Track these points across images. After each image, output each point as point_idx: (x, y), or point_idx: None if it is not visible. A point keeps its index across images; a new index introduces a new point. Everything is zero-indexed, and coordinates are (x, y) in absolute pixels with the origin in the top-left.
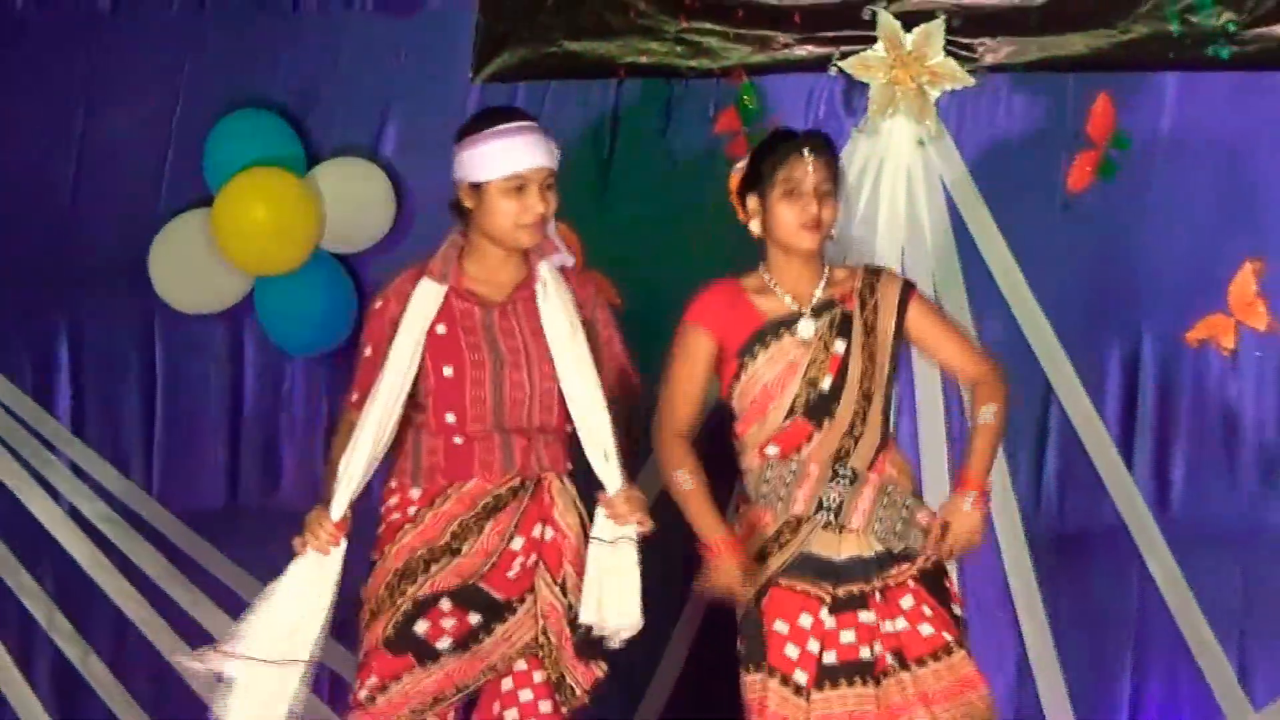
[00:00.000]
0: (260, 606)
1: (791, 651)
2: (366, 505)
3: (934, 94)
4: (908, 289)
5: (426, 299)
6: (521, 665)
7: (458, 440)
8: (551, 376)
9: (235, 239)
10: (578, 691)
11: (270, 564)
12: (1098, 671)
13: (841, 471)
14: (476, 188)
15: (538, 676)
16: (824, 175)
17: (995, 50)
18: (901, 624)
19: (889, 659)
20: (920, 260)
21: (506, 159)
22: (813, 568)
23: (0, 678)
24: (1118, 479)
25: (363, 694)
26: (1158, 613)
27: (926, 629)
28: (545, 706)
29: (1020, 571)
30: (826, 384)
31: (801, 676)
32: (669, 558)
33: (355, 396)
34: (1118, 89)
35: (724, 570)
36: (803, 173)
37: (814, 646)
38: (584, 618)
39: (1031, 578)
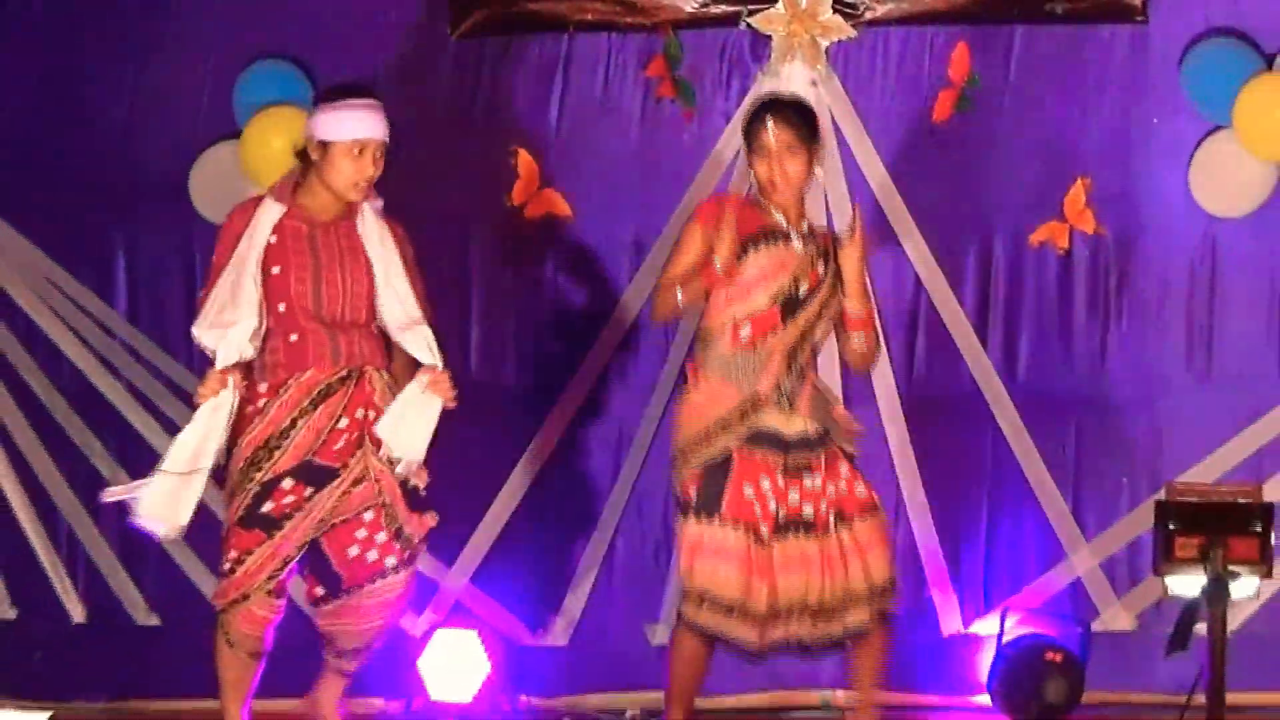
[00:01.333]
0: (172, 445)
1: (756, 509)
2: None
3: (824, 44)
4: (838, 239)
5: (268, 213)
6: (361, 533)
7: (293, 338)
8: (363, 282)
9: (259, 164)
10: (414, 540)
11: None
12: (959, 511)
13: (794, 367)
14: (324, 145)
15: (364, 533)
16: (789, 137)
17: (874, 8)
18: (842, 487)
19: (830, 517)
20: (815, 181)
21: (354, 126)
22: (768, 440)
23: (74, 523)
24: (974, 354)
25: (226, 565)
26: (1007, 462)
27: (860, 489)
28: (372, 553)
29: (896, 431)
30: (804, 289)
31: (764, 529)
32: None
33: (202, 293)
34: (973, 39)
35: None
36: (766, 137)
37: (772, 505)
38: (380, 431)
39: (905, 435)
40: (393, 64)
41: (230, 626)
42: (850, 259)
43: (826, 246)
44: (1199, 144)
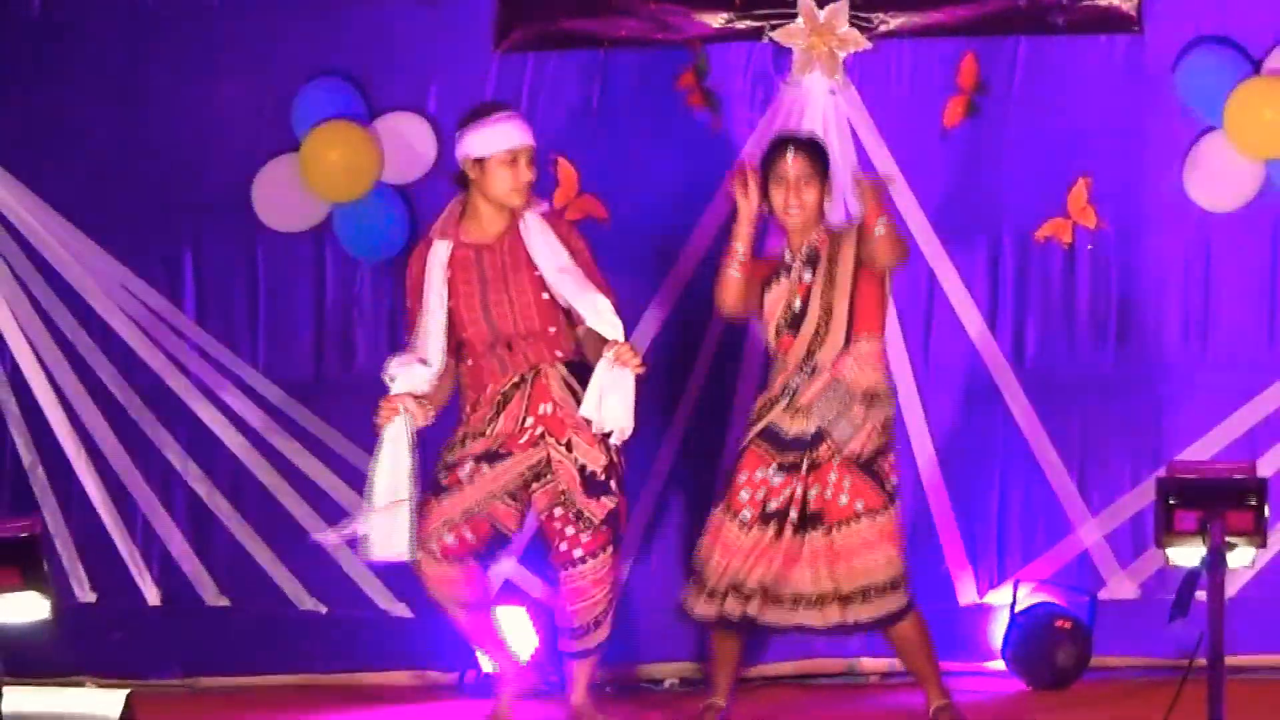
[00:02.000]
0: (371, 482)
1: (745, 496)
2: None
3: (841, 55)
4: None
5: (438, 254)
6: (557, 525)
7: (470, 363)
8: (528, 291)
9: (316, 175)
10: (594, 520)
11: (348, 418)
12: (973, 489)
13: (806, 366)
14: (479, 162)
15: (564, 525)
16: (804, 168)
17: (887, 21)
18: (828, 494)
19: (796, 519)
20: (834, 183)
21: (504, 138)
22: (772, 438)
23: (148, 512)
24: (985, 343)
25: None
26: (1017, 443)
27: (844, 499)
28: (578, 552)
29: (913, 416)
30: (797, 305)
31: (747, 515)
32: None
33: (407, 338)
34: (981, 49)
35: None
36: (784, 168)
37: (760, 495)
38: (584, 413)
39: (922, 419)
40: (442, 79)
41: (422, 576)
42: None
43: (817, 250)
44: (1192, 144)
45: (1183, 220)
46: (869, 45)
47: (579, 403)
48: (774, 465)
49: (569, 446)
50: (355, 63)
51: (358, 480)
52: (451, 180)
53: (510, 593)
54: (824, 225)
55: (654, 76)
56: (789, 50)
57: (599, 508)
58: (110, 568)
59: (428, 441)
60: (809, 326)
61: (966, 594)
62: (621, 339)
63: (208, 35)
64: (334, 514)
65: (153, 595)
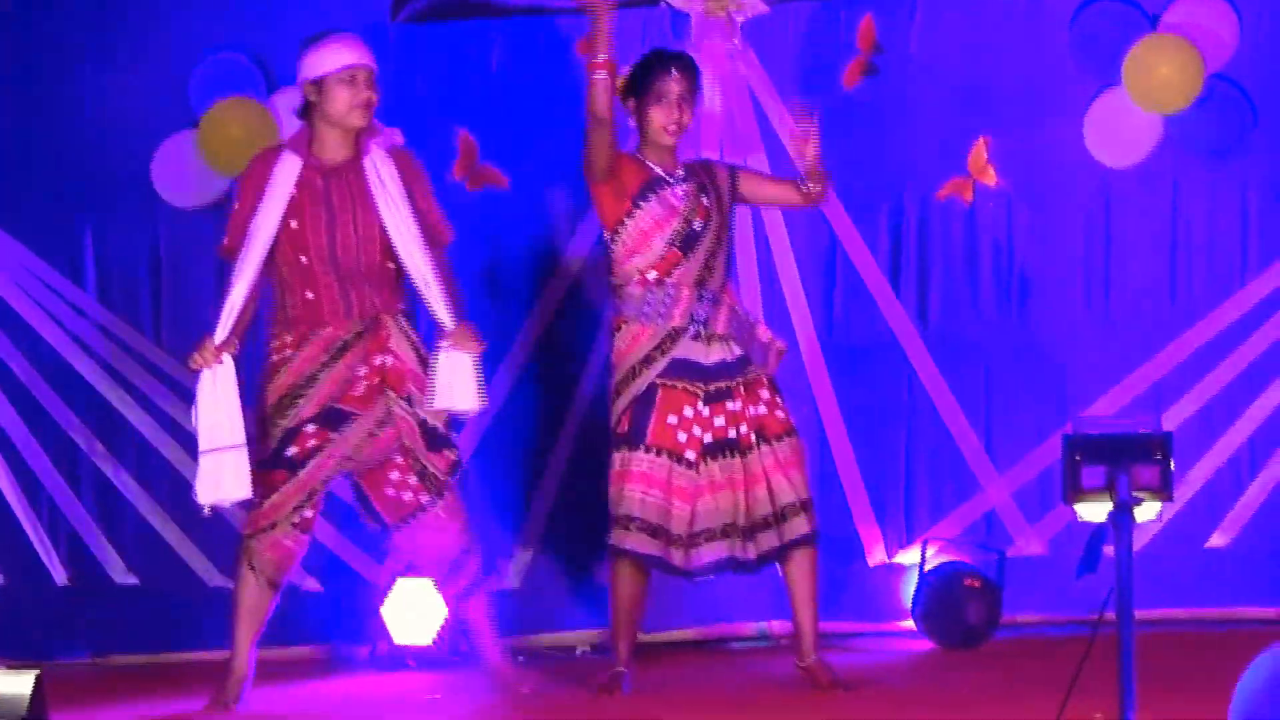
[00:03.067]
0: (195, 415)
1: (681, 437)
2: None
3: (739, 19)
4: (734, 168)
5: (287, 167)
6: (394, 475)
7: (309, 295)
8: (373, 226)
9: (216, 151)
10: (440, 476)
11: (251, 391)
12: (880, 450)
13: (704, 294)
14: (317, 83)
15: (397, 475)
16: (685, 87)
17: None
18: (762, 409)
19: (753, 437)
20: (734, 146)
21: (340, 56)
22: (687, 370)
23: (54, 491)
24: (888, 303)
25: (254, 502)
26: (923, 403)
27: (779, 413)
28: (407, 494)
29: (819, 378)
30: (697, 224)
31: (691, 454)
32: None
33: (226, 241)
34: (877, 10)
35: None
36: (669, 85)
37: (698, 431)
38: (438, 404)
39: (827, 381)
40: None
41: (255, 553)
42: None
43: (704, 180)
44: (1091, 101)
45: (1083, 177)
46: (766, 9)
47: (418, 357)
48: (700, 398)
49: (409, 400)
50: (252, 37)
51: None
52: (295, 112)
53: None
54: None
55: (552, 44)
56: (686, 15)
57: (442, 460)
58: (17, 548)
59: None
60: (701, 251)
61: (875, 554)
62: (449, 322)
63: (103, 12)
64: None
65: (60, 575)
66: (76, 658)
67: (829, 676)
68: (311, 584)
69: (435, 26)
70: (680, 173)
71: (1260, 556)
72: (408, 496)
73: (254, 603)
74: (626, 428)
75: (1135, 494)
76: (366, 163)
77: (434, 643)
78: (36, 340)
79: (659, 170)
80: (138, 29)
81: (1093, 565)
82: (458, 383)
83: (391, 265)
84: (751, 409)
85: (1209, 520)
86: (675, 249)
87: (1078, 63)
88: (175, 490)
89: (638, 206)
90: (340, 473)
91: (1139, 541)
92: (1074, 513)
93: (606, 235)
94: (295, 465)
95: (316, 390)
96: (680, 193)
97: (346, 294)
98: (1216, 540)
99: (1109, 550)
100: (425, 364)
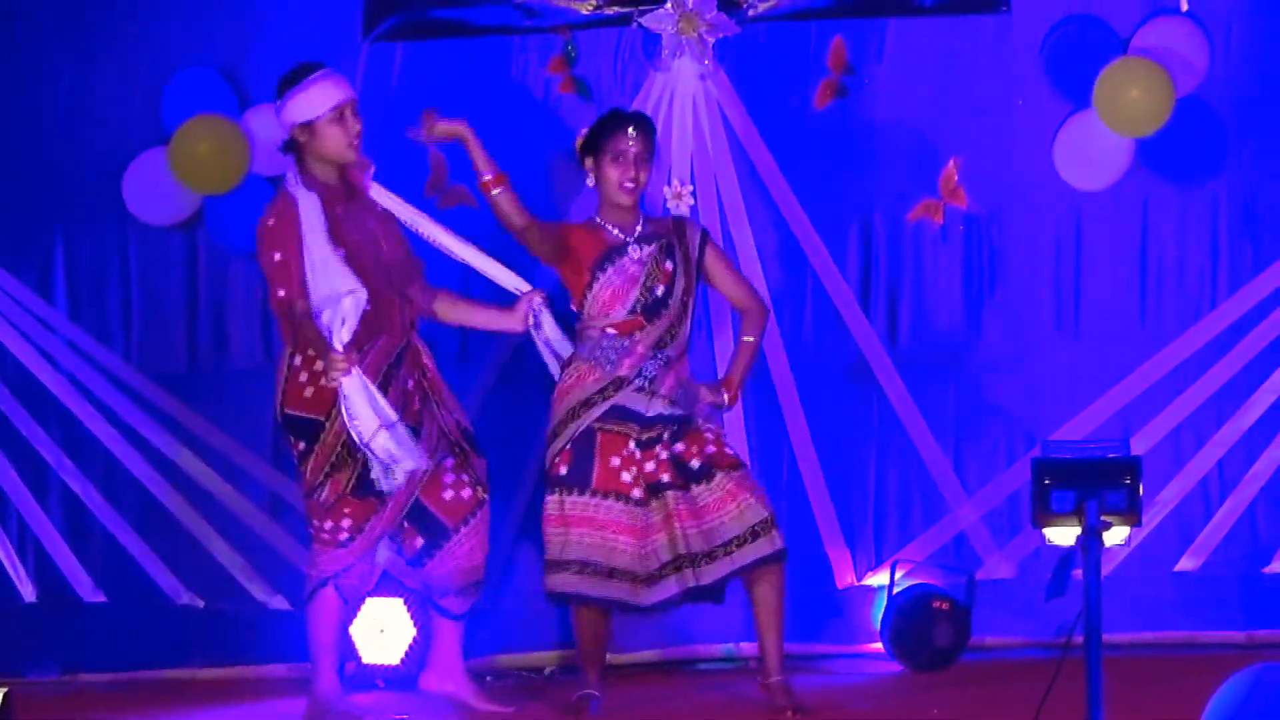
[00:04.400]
0: (354, 424)
1: (626, 477)
2: None
3: (710, 40)
4: (705, 235)
5: (310, 203)
6: (448, 477)
7: (367, 307)
8: (399, 251)
9: (187, 168)
10: (480, 475)
11: (221, 411)
12: (849, 472)
13: (660, 355)
14: (307, 126)
15: (451, 477)
16: (643, 146)
17: (755, 6)
18: (708, 450)
19: (697, 468)
20: (705, 167)
21: (327, 96)
22: (625, 415)
23: (22, 508)
24: (858, 324)
25: (342, 535)
26: (892, 425)
27: (728, 450)
28: (465, 491)
29: (788, 400)
30: (659, 290)
31: (638, 493)
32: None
33: (282, 293)
34: (848, 31)
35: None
36: (625, 145)
37: (635, 472)
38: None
39: (796, 402)
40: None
41: (346, 582)
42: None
43: (669, 237)
44: (1062, 124)
45: (1053, 200)
46: (738, 29)
47: (437, 367)
48: (634, 443)
49: (447, 406)
50: (225, 54)
51: (232, 473)
52: (280, 149)
53: (388, 584)
54: (643, 211)
55: (524, 64)
56: (658, 36)
57: (480, 463)
58: None
59: None
60: (666, 317)
61: (844, 576)
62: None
63: (76, 27)
64: (208, 506)
65: (29, 592)
66: (44, 675)
67: (788, 700)
68: (279, 602)
69: (407, 45)
70: (640, 230)
71: (1229, 580)
72: (465, 494)
73: (338, 632)
74: (564, 471)
75: (1104, 518)
76: (373, 193)
77: (402, 662)
78: (4, 355)
79: (617, 235)
80: (111, 44)
81: (1061, 588)
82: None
83: (410, 290)
84: (695, 447)
85: (1178, 544)
86: (637, 315)
87: (1049, 85)
88: (143, 507)
89: (596, 277)
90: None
91: (1108, 565)
92: (1043, 536)
93: (574, 307)
94: (381, 493)
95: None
96: (639, 259)
97: (398, 304)
98: (1185, 564)
99: (1078, 574)
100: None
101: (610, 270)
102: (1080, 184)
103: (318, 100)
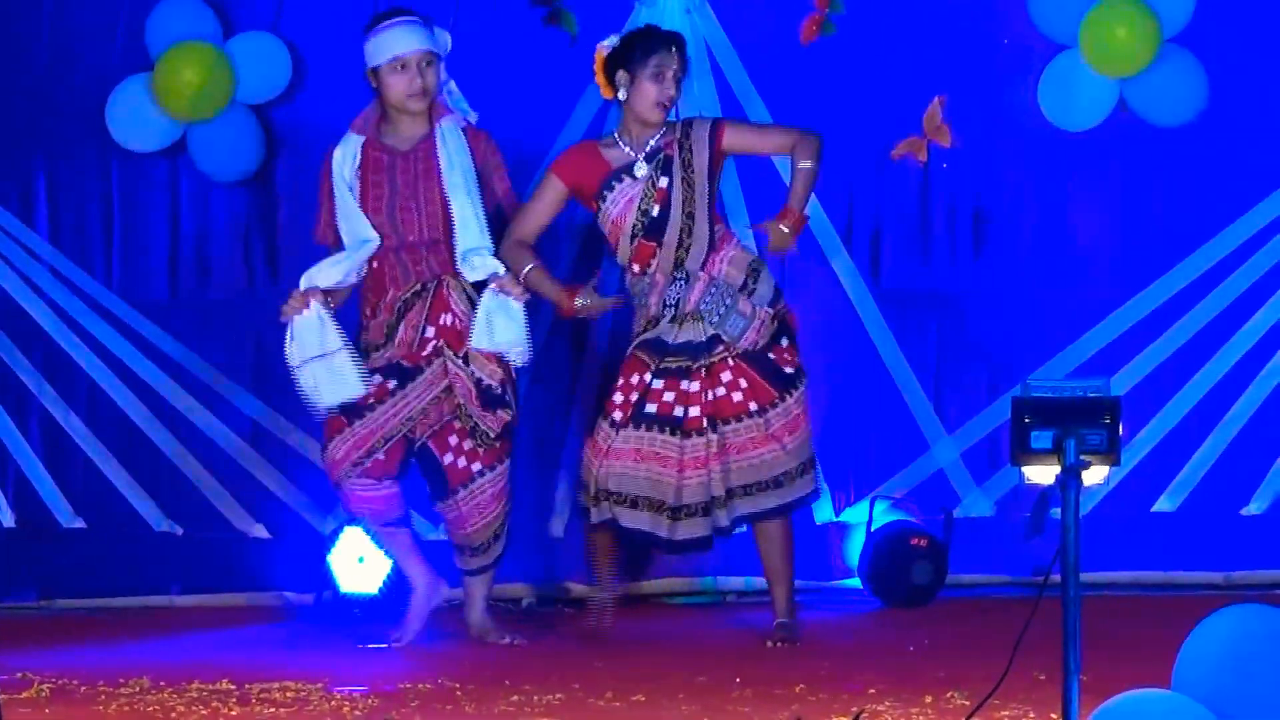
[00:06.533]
0: (289, 339)
1: (618, 398)
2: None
3: None
4: (717, 123)
5: (348, 147)
6: (453, 439)
7: (374, 264)
8: (436, 203)
9: (171, 95)
10: (491, 435)
11: (203, 339)
12: (829, 408)
13: (679, 275)
14: (374, 71)
15: (455, 440)
16: (680, 65)
17: None
18: (721, 392)
19: (704, 422)
20: (689, 101)
21: (390, 46)
22: (654, 345)
23: (1, 433)
24: (841, 261)
25: (324, 449)
26: (873, 362)
27: (737, 395)
28: (461, 460)
29: None
30: (655, 211)
31: (618, 415)
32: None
33: (316, 229)
34: None
35: (567, 307)
36: (672, 59)
37: (634, 397)
38: (475, 343)
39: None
40: None
41: (348, 505)
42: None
43: (670, 148)
44: (1046, 63)
45: (1037, 139)
46: None
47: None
48: (651, 370)
49: (465, 359)
50: None
51: (214, 400)
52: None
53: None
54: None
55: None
56: None
57: (495, 421)
58: None
59: None
60: (672, 235)
61: (823, 512)
62: (501, 271)
63: None
64: (188, 434)
65: (7, 518)
66: (22, 601)
67: (783, 635)
68: (259, 530)
69: None
70: (651, 146)
71: (1206, 522)
72: (462, 463)
73: (389, 545)
74: (609, 404)
75: (1083, 457)
76: (438, 142)
77: (380, 592)
78: None
79: (628, 154)
80: None
81: (1039, 527)
82: (499, 323)
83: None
84: (709, 393)
85: (1156, 484)
86: (643, 240)
87: (1033, 24)
88: (124, 434)
89: (602, 199)
90: (401, 432)
91: (1086, 504)
92: (1022, 475)
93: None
94: (353, 412)
95: (387, 352)
96: (638, 177)
97: (404, 261)
98: (1164, 504)
99: (1056, 513)
100: None
101: (609, 199)
102: (1065, 124)
103: (383, 48)
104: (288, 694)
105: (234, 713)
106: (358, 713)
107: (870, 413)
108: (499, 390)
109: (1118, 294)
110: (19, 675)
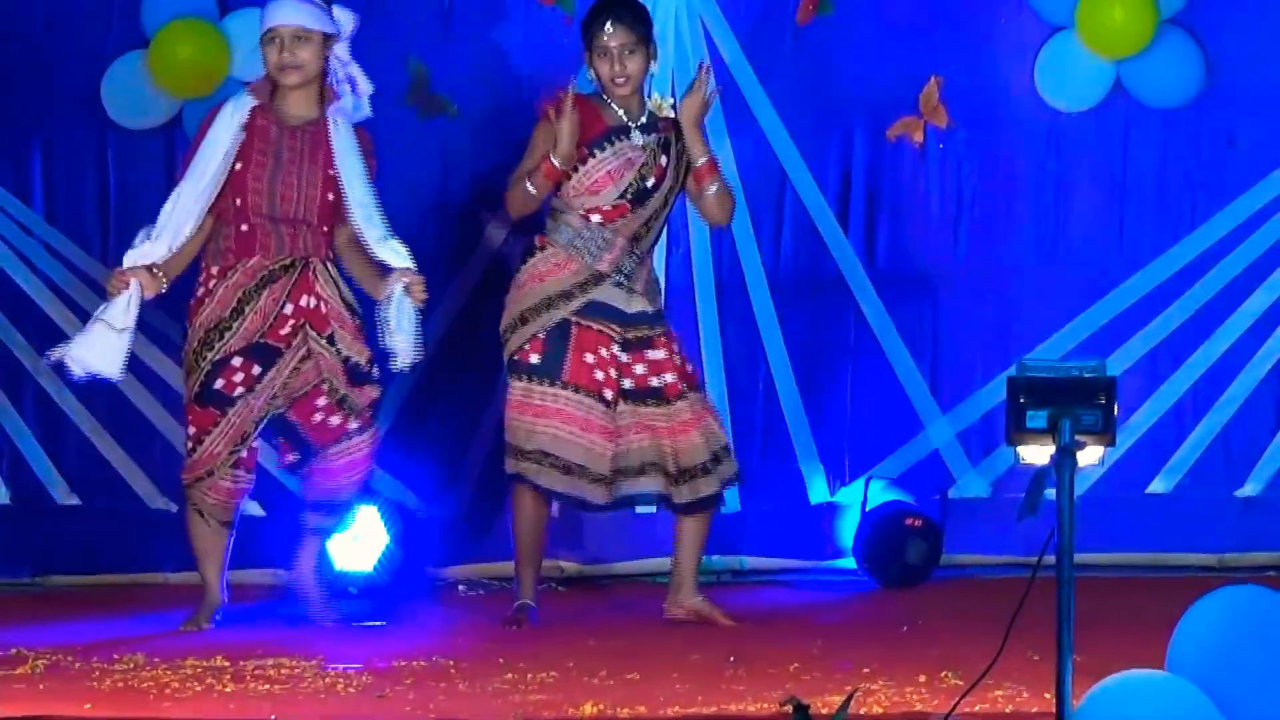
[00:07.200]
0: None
1: (599, 375)
2: None
3: None
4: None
5: (237, 108)
6: (321, 401)
7: (244, 228)
8: (318, 186)
9: (166, 72)
10: (359, 406)
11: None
12: (824, 388)
13: (636, 249)
14: (261, 40)
15: (324, 401)
16: (625, 38)
17: None
18: (676, 361)
19: (681, 386)
20: (686, 80)
21: (267, 18)
22: (605, 312)
23: None
24: (836, 240)
25: (188, 444)
26: (868, 341)
27: (689, 367)
28: (335, 419)
29: (765, 315)
30: (650, 182)
31: (609, 393)
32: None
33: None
34: None
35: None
36: (606, 38)
37: (613, 373)
38: (389, 344)
39: (773, 316)
40: None
41: (199, 500)
42: (689, 109)
43: (668, 136)
44: (1043, 43)
45: (1034, 120)
46: None
47: (342, 301)
48: (617, 342)
49: (330, 339)
50: None
51: None
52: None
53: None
54: (648, 99)
55: None
56: None
57: (363, 396)
58: None
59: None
60: (649, 210)
61: (817, 492)
62: (406, 263)
63: None
64: (183, 412)
65: (2, 494)
66: (17, 577)
67: (714, 611)
68: (253, 508)
69: None
70: (644, 122)
71: (1201, 503)
72: (335, 421)
73: (211, 543)
74: (536, 360)
75: (1078, 438)
76: (331, 128)
77: (375, 569)
78: None
79: (621, 118)
80: None
81: (1034, 508)
82: (401, 330)
83: (326, 229)
84: (670, 361)
85: (1151, 465)
86: (625, 201)
87: (1031, 5)
88: (119, 411)
89: (592, 154)
90: (269, 412)
91: (1081, 485)
92: (1016, 455)
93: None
94: (224, 402)
95: (242, 323)
96: (640, 145)
97: (280, 232)
98: (1158, 486)
99: (1051, 493)
100: (351, 309)
101: (609, 151)
102: (1061, 104)
103: (264, 19)
104: (282, 671)
105: (228, 689)
106: (351, 690)
107: (866, 393)
108: (366, 369)
109: (1114, 275)
110: (13, 652)
